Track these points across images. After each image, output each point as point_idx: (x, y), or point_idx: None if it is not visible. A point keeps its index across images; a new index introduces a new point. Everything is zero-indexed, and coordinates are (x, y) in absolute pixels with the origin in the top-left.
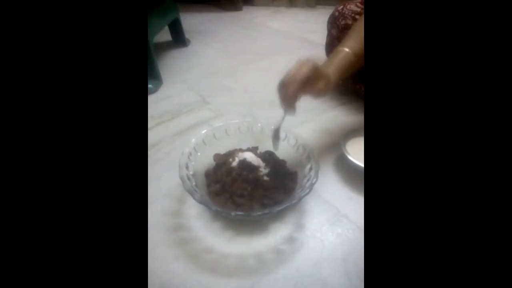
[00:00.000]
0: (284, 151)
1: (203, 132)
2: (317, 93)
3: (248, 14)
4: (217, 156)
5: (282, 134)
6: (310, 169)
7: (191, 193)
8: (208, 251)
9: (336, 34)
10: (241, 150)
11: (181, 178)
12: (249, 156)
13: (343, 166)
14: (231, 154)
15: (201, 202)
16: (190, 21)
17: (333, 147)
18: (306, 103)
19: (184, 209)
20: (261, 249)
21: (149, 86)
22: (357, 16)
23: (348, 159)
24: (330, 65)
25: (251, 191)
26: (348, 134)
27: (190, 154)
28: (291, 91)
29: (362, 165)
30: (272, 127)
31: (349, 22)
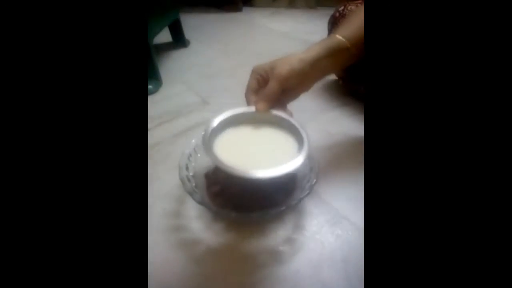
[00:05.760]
0: None
1: (203, 133)
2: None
3: (248, 15)
4: None
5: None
6: (310, 170)
7: (191, 194)
8: (207, 252)
9: None
10: None
11: (181, 179)
12: None
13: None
14: None
15: (201, 203)
16: (190, 21)
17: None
18: (305, 104)
19: (184, 210)
20: (260, 251)
21: (149, 86)
22: None
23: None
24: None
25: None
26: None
27: (190, 155)
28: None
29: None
30: None
31: None
